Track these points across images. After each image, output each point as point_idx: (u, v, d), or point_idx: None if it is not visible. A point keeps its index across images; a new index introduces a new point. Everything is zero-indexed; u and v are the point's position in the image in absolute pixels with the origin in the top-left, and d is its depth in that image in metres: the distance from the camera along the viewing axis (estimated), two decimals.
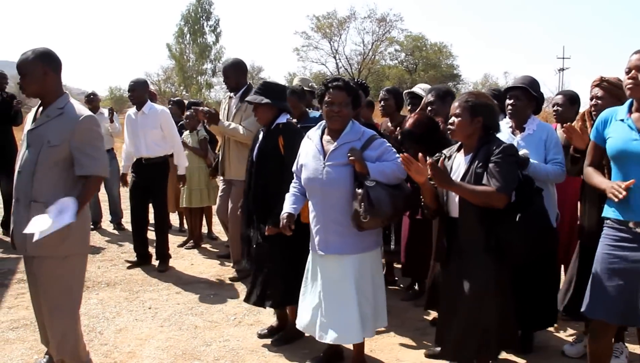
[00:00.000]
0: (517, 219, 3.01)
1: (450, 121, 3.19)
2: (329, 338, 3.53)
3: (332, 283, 3.55)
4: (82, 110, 3.32)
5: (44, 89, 3.28)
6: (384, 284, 3.74)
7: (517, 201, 3.06)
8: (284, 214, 3.68)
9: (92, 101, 8.03)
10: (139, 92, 6.08)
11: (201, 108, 5.68)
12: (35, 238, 3.02)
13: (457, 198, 3.13)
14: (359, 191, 3.31)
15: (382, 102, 5.62)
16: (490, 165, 3.03)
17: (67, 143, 3.21)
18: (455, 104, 3.20)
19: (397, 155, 3.47)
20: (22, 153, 3.32)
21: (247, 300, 4.25)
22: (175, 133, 6.20)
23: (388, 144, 3.56)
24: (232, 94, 5.70)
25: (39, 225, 3.04)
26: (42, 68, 3.24)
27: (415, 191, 3.51)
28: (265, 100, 4.13)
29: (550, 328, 4.29)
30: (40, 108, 3.38)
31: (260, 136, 4.24)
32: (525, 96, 3.93)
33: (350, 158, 3.38)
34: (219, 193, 5.91)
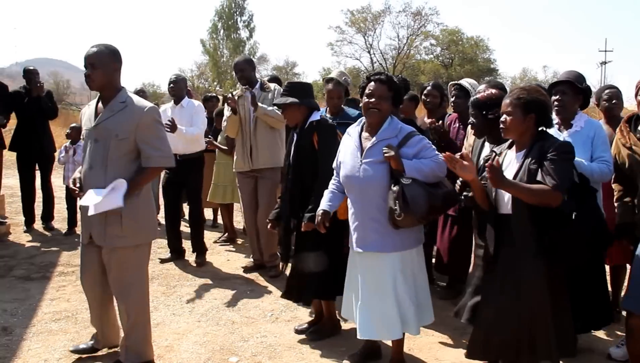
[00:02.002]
0: (572, 218, 2.88)
1: (501, 119, 3.07)
2: (368, 334, 3.53)
3: (371, 280, 3.51)
4: (144, 102, 3.51)
5: (110, 84, 3.46)
6: (427, 282, 3.69)
7: (570, 201, 2.93)
8: (319, 211, 3.68)
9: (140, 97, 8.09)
10: (180, 86, 6.17)
11: (235, 94, 5.68)
12: (91, 212, 3.28)
13: (507, 194, 3.00)
14: (394, 188, 3.27)
15: (429, 97, 5.51)
16: (546, 162, 2.90)
17: (133, 135, 3.40)
18: (507, 101, 3.07)
19: (437, 152, 3.42)
20: (88, 148, 3.46)
21: (287, 296, 4.28)
22: (202, 126, 6.14)
23: (427, 141, 3.49)
24: (244, 88, 5.69)
25: (92, 199, 3.29)
26: (114, 64, 3.45)
27: (455, 190, 3.45)
28: (292, 99, 4.12)
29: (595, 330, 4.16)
30: (99, 103, 3.51)
31: (295, 137, 4.23)
32: (572, 91, 3.83)
33: (386, 154, 3.33)
34: (241, 193, 5.91)
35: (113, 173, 3.38)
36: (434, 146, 3.49)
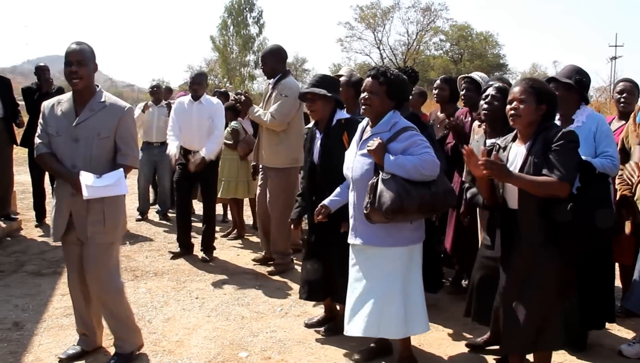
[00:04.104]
0: (568, 208, 2.84)
1: (512, 106, 3.01)
2: (347, 329, 3.54)
3: (358, 273, 3.52)
4: (121, 101, 3.59)
5: (92, 82, 3.49)
6: (421, 286, 3.57)
7: (577, 189, 2.91)
8: (321, 203, 3.72)
9: (155, 93, 8.13)
10: (203, 85, 6.11)
11: (236, 94, 5.67)
12: (87, 193, 3.30)
13: (515, 189, 2.98)
14: (370, 181, 3.27)
15: (437, 90, 5.51)
16: (551, 154, 2.87)
17: (114, 134, 3.47)
18: (517, 89, 3.02)
19: (428, 149, 3.32)
20: (68, 147, 3.45)
21: (307, 297, 4.25)
22: (222, 127, 6.13)
23: (420, 137, 3.37)
24: (270, 82, 5.66)
25: (90, 180, 3.34)
26: (94, 62, 3.49)
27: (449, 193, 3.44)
28: (324, 91, 4.07)
29: (607, 326, 4.13)
30: (71, 103, 3.49)
31: (318, 135, 4.16)
32: (562, 87, 3.76)
33: (368, 148, 3.32)
34: (259, 182, 5.91)
35: (96, 172, 3.42)
36: (427, 144, 3.36)
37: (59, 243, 3.67)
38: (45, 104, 3.56)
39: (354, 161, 3.48)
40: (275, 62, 5.56)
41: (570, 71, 3.84)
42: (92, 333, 3.81)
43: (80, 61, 3.37)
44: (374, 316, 3.41)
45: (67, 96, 3.55)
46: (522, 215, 2.98)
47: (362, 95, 3.45)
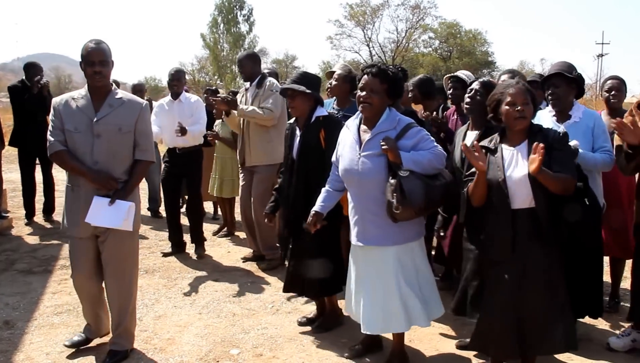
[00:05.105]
0: (586, 203, 3.02)
1: (518, 108, 3.05)
2: (374, 330, 3.51)
3: (372, 274, 3.50)
4: (136, 97, 3.70)
5: (109, 79, 3.56)
6: (431, 273, 3.68)
7: (577, 188, 3.03)
8: (312, 211, 3.68)
9: (139, 91, 8.16)
10: (182, 81, 6.17)
11: (219, 96, 5.70)
12: (89, 220, 3.46)
13: (522, 189, 3.02)
14: (392, 181, 3.24)
15: (409, 93, 5.55)
16: (556, 153, 2.97)
17: (134, 128, 3.56)
18: (516, 90, 3.07)
19: (435, 144, 3.41)
20: (89, 143, 3.48)
21: (286, 290, 4.28)
22: (203, 122, 6.13)
23: (425, 132, 3.46)
24: (247, 85, 5.75)
25: (99, 218, 3.47)
26: (112, 59, 3.55)
27: (454, 182, 3.47)
28: (303, 88, 4.07)
29: (594, 320, 4.19)
30: (88, 99, 3.52)
31: (298, 132, 4.18)
32: (564, 82, 3.84)
33: (383, 147, 3.30)
34: (241, 183, 5.94)
35: (118, 166, 3.53)
36: (432, 138, 3.47)
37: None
38: (57, 101, 3.58)
39: (359, 163, 3.42)
40: (252, 65, 5.74)
41: (569, 66, 3.90)
42: (97, 324, 3.89)
43: (102, 61, 3.45)
44: (399, 313, 3.43)
45: (81, 92, 3.59)
46: (534, 214, 3.03)
47: (361, 93, 3.40)
